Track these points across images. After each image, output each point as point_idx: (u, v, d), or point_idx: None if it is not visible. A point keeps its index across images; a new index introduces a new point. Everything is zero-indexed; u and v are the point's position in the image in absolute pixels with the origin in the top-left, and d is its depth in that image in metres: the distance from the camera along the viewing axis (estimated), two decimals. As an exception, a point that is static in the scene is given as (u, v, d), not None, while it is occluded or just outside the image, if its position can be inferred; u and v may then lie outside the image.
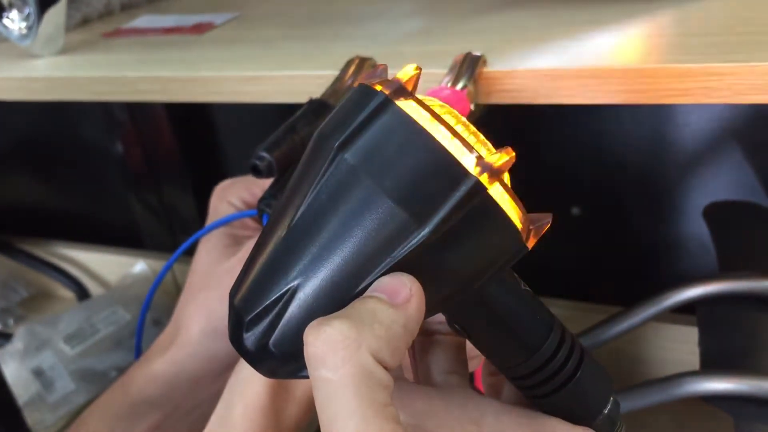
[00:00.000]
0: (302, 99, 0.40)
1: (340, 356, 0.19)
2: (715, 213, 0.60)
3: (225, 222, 0.49)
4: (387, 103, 0.23)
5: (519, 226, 0.24)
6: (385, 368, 0.20)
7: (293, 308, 0.22)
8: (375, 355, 0.20)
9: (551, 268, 0.77)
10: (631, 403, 0.52)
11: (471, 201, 0.23)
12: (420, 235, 0.22)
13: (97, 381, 0.81)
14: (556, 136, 0.70)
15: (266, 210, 0.36)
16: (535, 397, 0.28)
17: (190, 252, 0.94)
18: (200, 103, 0.87)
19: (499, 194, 0.24)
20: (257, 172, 0.35)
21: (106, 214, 1.02)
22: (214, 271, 0.48)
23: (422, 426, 0.27)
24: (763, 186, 0.65)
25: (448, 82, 0.37)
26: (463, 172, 0.23)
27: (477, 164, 0.23)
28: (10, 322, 0.94)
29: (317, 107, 0.38)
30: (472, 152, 0.23)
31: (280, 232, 0.23)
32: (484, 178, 0.23)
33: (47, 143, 1.01)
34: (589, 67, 0.36)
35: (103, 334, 0.83)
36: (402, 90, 0.23)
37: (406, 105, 0.23)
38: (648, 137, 0.66)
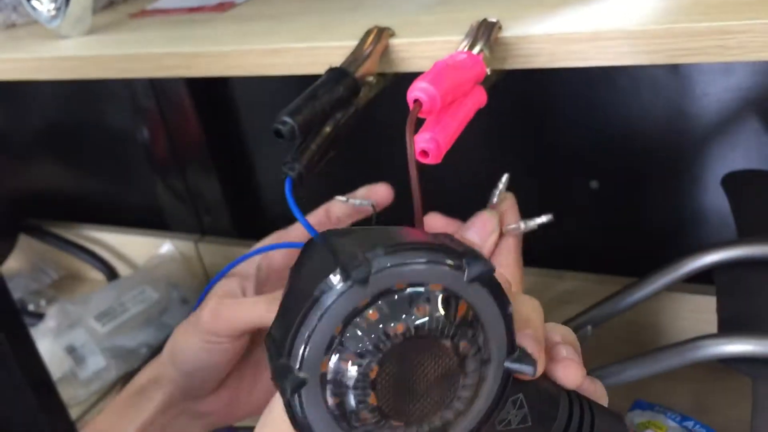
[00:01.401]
0: (323, 70, 0.41)
1: None
2: (734, 182, 0.60)
3: (260, 252, 0.50)
4: None
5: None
6: None
7: None
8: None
9: (571, 241, 0.77)
10: (648, 368, 0.53)
11: None
12: None
13: (128, 358, 0.83)
14: (574, 110, 0.71)
15: (289, 173, 0.37)
16: None
17: (220, 233, 0.96)
18: (224, 88, 0.89)
19: None
20: (279, 136, 0.36)
21: (132, 198, 1.04)
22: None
23: None
24: (782, 155, 0.65)
25: (464, 47, 0.38)
26: None
27: None
28: (42, 303, 0.97)
29: (337, 75, 0.40)
30: None
31: None
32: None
33: (75, 129, 1.03)
34: (603, 30, 0.36)
35: (132, 313, 0.85)
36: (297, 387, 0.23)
37: None
38: (667, 109, 0.67)
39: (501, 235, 0.44)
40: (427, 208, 0.81)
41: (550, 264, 0.75)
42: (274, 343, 0.24)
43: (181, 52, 0.47)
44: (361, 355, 0.22)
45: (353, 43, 0.42)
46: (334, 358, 0.22)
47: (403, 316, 0.22)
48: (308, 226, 0.36)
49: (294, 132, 0.36)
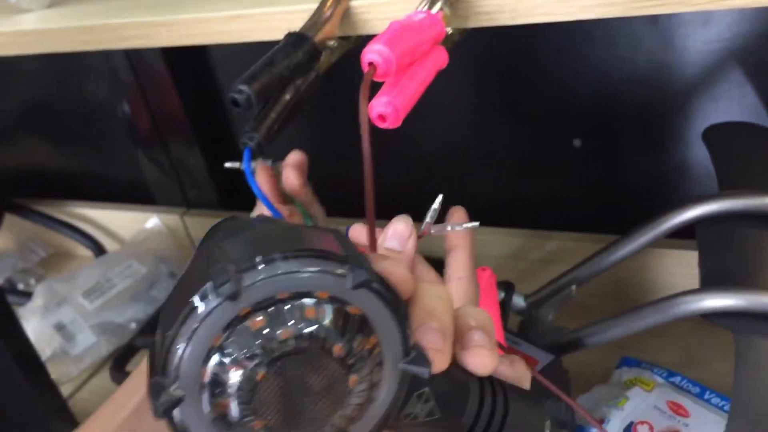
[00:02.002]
0: (281, 36, 0.40)
1: None
2: (715, 135, 0.59)
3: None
4: None
5: None
6: None
7: None
8: None
9: (554, 200, 0.77)
10: (631, 326, 0.53)
11: None
12: None
13: (118, 333, 0.83)
14: (554, 68, 0.70)
15: (248, 143, 0.36)
16: None
17: (206, 205, 0.95)
18: (203, 59, 0.88)
19: None
20: (236, 105, 0.35)
21: (116, 173, 1.03)
22: None
23: None
24: (765, 106, 0.64)
25: (423, 6, 0.36)
26: None
27: None
28: (32, 281, 0.97)
29: (296, 40, 0.39)
30: None
31: None
32: None
33: (56, 106, 1.02)
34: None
35: (120, 288, 0.85)
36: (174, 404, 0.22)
37: None
38: (647, 63, 0.65)
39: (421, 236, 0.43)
40: (409, 172, 0.81)
41: (535, 225, 0.74)
42: (152, 354, 0.23)
43: (140, 22, 0.46)
44: (241, 366, 0.21)
45: (313, 7, 0.41)
46: (213, 369, 0.21)
47: (285, 325, 0.21)
48: (265, 201, 0.35)
49: (250, 100, 0.35)
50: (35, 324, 0.81)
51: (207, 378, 0.21)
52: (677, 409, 0.59)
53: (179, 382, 0.21)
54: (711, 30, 0.61)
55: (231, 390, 0.21)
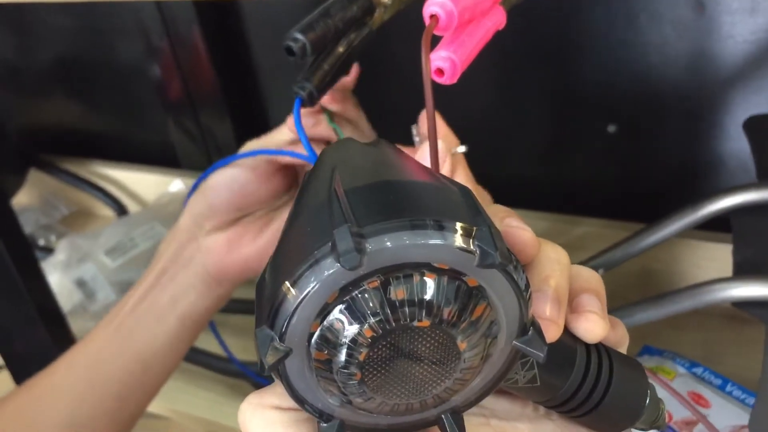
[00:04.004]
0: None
1: (251, 418, 0.25)
2: (756, 125, 0.58)
3: (237, 158, 0.52)
4: None
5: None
6: (296, 410, 0.24)
7: None
8: (277, 407, 0.24)
9: (584, 185, 0.76)
10: (661, 310, 0.52)
11: None
12: None
13: (137, 292, 0.83)
14: (593, 51, 0.69)
15: (300, 92, 0.36)
16: (575, 417, 0.28)
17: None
18: (237, 28, 0.87)
19: None
20: (291, 54, 0.35)
21: (144, 135, 1.03)
22: None
23: (489, 421, 0.28)
24: (807, 101, 0.63)
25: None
26: None
27: None
28: (52, 238, 0.97)
29: (351, -7, 0.38)
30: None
31: None
32: None
33: (87, 66, 1.02)
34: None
35: (142, 248, 0.85)
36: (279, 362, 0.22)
37: None
38: (690, 51, 0.65)
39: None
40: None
41: (565, 209, 0.74)
42: (261, 297, 0.22)
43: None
44: (351, 328, 0.21)
45: (369, -36, 0.41)
46: (323, 327, 0.21)
47: (401, 292, 0.21)
48: (312, 154, 0.35)
49: (305, 49, 0.35)
50: (56, 279, 0.81)
51: (316, 334, 0.21)
52: (698, 400, 0.59)
53: (288, 336, 0.21)
54: (758, 20, 0.60)
55: (338, 349, 0.21)
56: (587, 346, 0.27)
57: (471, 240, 0.21)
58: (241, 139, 0.92)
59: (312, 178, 0.25)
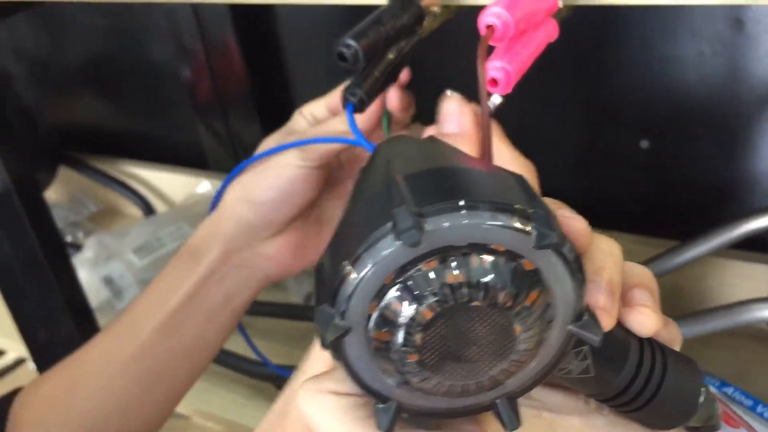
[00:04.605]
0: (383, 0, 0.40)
1: (310, 403, 0.25)
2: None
3: (265, 155, 0.51)
4: None
5: None
6: (354, 395, 0.24)
7: None
8: (335, 392, 0.25)
9: (619, 200, 0.76)
10: (696, 328, 0.52)
11: None
12: None
13: (163, 292, 0.84)
14: (628, 65, 0.69)
15: (350, 99, 0.36)
16: (627, 412, 0.28)
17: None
18: (269, 32, 0.88)
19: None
20: (343, 60, 0.35)
21: (173, 136, 1.04)
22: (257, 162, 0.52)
23: (541, 413, 0.28)
24: None
25: (537, -22, 0.36)
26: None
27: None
28: (80, 235, 0.98)
29: (402, 1, 0.38)
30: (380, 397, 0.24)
31: None
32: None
33: (118, 65, 1.03)
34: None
35: (169, 248, 0.86)
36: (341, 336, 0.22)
37: None
38: (727, 68, 0.65)
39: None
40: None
41: (596, 224, 0.73)
42: (320, 278, 0.23)
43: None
44: (409, 307, 0.21)
45: (418, -27, 0.41)
46: (382, 306, 0.22)
47: (459, 272, 0.21)
48: (371, 147, 0.35)
49: (357, 56, 0.35)
50: (84, 275, 0.82)
51: (374, 314, 0.22)
52: (728, 420, 0.58)
53: (348, 315, 0.22)
54: (799, 39, 0.60)
55: (395, 328, 0.22)
56: (641, 341, 0.27)
57: (528, 221, 0.21)
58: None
59: (368, 170, 0.26)
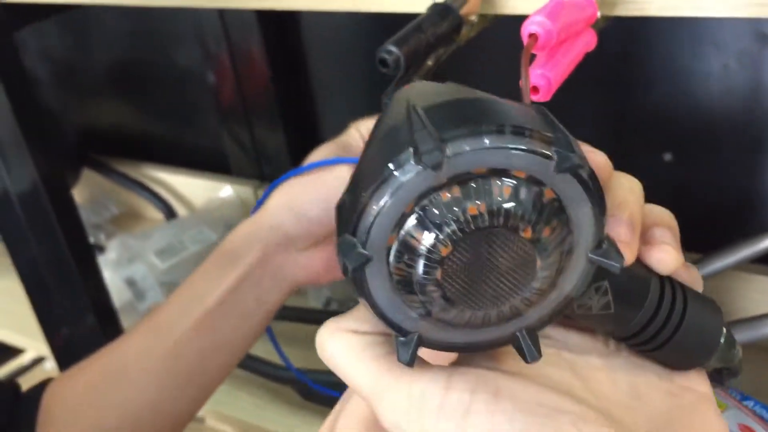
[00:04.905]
0: (422, 9, 0.41)
1: (329, 341, 0.25)
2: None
3: (317, 166, 0.51)
4: None
5: None
6: (373, 333, 0.25)
7: None
8: (354, 330, 0.25)
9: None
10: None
11: None
12: None
13: (185, 294, 0.84)
14: (653, 78, 0.69)
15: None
16: (648, 351, 0.28)
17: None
18: (295, 39, 0.89)
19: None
20: (384, 65, 0.36)
21: (196, 141, 1.05)
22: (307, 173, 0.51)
23: (560, 353, 0.28)
24: None
25: (576, -11, 0.37)
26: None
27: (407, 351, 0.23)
28: (102, 236, 0.99)
29: (442, 10, 0.39)
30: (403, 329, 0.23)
31: None
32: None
33: (143, 69, 1.05)
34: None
35: (191, 251, 0.86)
36: (364, 263, 0.22)
37: None
38: (750, 82, 0.65)
39: None
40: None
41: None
42: (341, 214, 0.23)
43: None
44: (431, 235, 0.21)
45: (455, -18, 0.42)
46: (402, 235, 0.22)
47: (480, 199, 0.21)
48: None
49: (399, 62, 0.36)
50: (107, 277, 0.82)
51: (395, 242, 0.22)
52: (749, 433, 0.58)
53: (369, 243, 0.22)
54: (825, 56, 0.61)
55: (417, 257, 0.21)
56: (661, 279, 0.27)
57: (549, 145, 0.21)
58: (293, 151, 0.94)
59: (387, 109, 0.26)
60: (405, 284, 0.22)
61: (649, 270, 0.27)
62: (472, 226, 0.21)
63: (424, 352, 0.24)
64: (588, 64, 0.72)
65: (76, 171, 1.02)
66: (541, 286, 0.23)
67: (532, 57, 0.34)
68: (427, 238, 0.21)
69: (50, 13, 0.68)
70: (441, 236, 0.21)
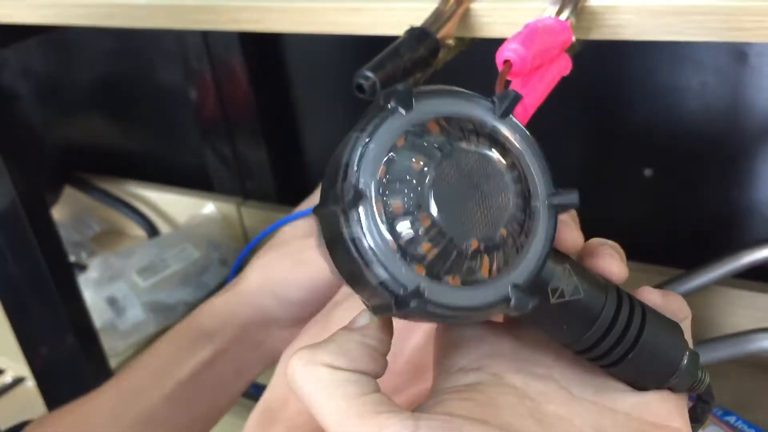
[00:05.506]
0: (399, 32, 0.41)
1: (301, 374, 0.25)
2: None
3: (286, 222, 0.51)
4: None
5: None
6: (348, 370, 0.25)
7: None
8: (329, 365, 0.25)
9: (622, 229, 0.77)
10: (701, 357, 0.52)
11: (397, 315, 0.24)
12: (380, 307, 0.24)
13: (167, 313, 0.84)
14: (632, 94, 0.70)
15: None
16: (604, 366, 0.28)
17: (263, 197, 0.96)
18: (276, 55, 0.89)
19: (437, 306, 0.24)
20: (361, 91, 0.36)
21: (178, 158, 1.05)
22: (289, 242, 0.50)
23: (484, 368, 0.28)
24: None
25: (551, 14, 0.37)
26: (384, 296, 0.24)
27: (401, 295, 0.23)
28: (83, 255, 0.98)
29: (419, 34, 0.39)
30: (396, 275, 0.23)
31: None
32: (405, 304, 0.23)
33: (125, 86, 1.04)
34: (695, 4, 0.36)
35: (173, 270, 0.86)
36: (355, 200, 0.24)
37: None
38: (730, 99, 0.66)
39: None
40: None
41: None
42: (334, 158, 0.25)
43: (255, 6, 0.47)
44: (415, 166, 0.24)
45: (432, 6, 0.42)
46: (390, 167, 0.24)
47: (456, 133, 0.25)
48: None
49: (375, 87, 0.36)
50: (88, 296, 0.82)
51: (385, 175, 0.24)
52: (731, 449, 0.58)
53: (362, 178, 0.24)
54: (801, 73, 0.61)
55: (405, 187, 0.24)
56: (619, 295, 0.27)
57: (492, 103, 0.27)
58: (275, 167, 0.94)
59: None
60: (394, 215, 0.23)
61: (605, 284, 0.28)
62: (450, 155, 0.24)
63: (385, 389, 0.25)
64: (568, 82, 0.73)
65: (57, 188, 1.01)
66: (516, 214, 0.25)
67: (508, 83, 0.34)
68: (414, 164, 0.24)
69: (32, 34, 0.68)
70: (423, 167, 0.24)
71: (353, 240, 0.23)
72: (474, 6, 0.41)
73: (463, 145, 0.24)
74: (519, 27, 0.35)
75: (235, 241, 0.94)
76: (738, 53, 0.63)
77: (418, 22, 0.41)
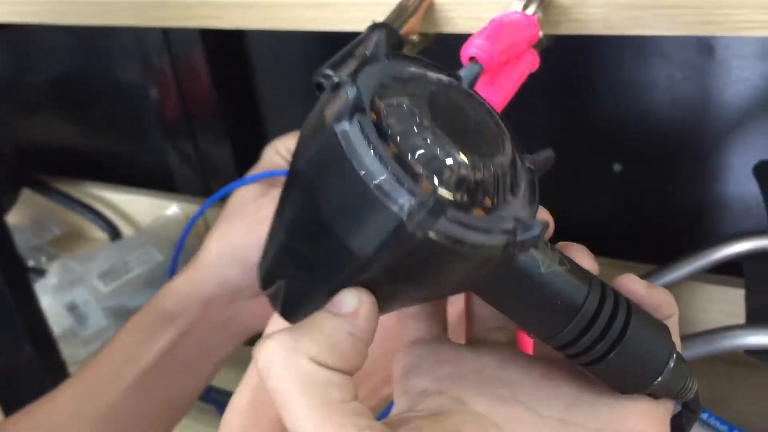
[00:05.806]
0: (362, 27, 0.39)
1: (279, 365, 0.21)
2: (767, 171, 0.59)
3: (261, 177, 0.51)
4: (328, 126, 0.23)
5: (483, 242, 0.23)
6: (334, 369, 0.22)
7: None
8: (314, 359, 0.21)
9: (592, 224, 0.76)
10: (673, 355, 0.52)
11: (404, 245, 0.22)
12: (361, 273, 0.23)
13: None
14: (600, 89, 0.69)
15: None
16: (586, 364, 0.27)
17: (228, 197, 0.94)
18: (239, 51, 0.87)
19: (449, 225, 0.22)
20: (321, 90, 0.34)
21: (140, 158, 1.02)
22: (243, 206, 0.49)
23: (446, 392, 0.26)
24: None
25: (517, 8, 0.36)
26: (390, 217, 0.22)
27: (409, 208, 0.22)
28: (43, 259, 0.95)
29: (381, 30, 0.38)
30: (405, 189, 0.22)
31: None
32: (417, 221, 0.22)
33: (85, 85, 1.02)
34: (665, -2, 0.35)
35: (136, 273, 0.84)
36: (356, 108, 0.23)
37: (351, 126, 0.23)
38: (699, 93, 0.65)
39: None
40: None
41: (568, 247, 0.74)
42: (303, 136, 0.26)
43: (215, 2, 0.45)
44: (402, 98, 0.24)
45: (395, 1, 0.40)
46: (378, 110, 0.24)
47: (427, 76, 0.26)
48: None
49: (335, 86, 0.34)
50: (47, 302, 0.79)
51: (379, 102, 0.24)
52: (704, 446, 0.58)
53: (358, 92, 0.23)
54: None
55: (395, 118, 0.23)
56: (603, 291, 0.26)
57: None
58: (240, 166, 0.92)
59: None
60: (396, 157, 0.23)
61: (589, 275, 0.27)
62: (431, 89, 0.25)
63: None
64: (535, 77, 0.72)
65: (14, 191, 0.98)
66: (506, 149, 0.25)
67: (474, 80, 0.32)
68: (409, 88, 0.24)
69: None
70: (418, 87, 0.24)
71: (360, 157, 0.23)
72: (438, 0, 0.40)
73: (447, 83, 0.26)
74: (484, 22, 0.34)
75: (200, 242, 0.92)
76: (705, 46, 0.63)
77: (383, 17, 0.40)
